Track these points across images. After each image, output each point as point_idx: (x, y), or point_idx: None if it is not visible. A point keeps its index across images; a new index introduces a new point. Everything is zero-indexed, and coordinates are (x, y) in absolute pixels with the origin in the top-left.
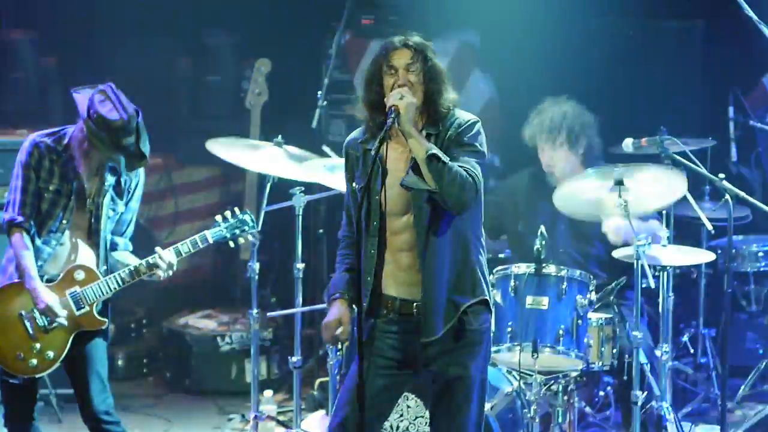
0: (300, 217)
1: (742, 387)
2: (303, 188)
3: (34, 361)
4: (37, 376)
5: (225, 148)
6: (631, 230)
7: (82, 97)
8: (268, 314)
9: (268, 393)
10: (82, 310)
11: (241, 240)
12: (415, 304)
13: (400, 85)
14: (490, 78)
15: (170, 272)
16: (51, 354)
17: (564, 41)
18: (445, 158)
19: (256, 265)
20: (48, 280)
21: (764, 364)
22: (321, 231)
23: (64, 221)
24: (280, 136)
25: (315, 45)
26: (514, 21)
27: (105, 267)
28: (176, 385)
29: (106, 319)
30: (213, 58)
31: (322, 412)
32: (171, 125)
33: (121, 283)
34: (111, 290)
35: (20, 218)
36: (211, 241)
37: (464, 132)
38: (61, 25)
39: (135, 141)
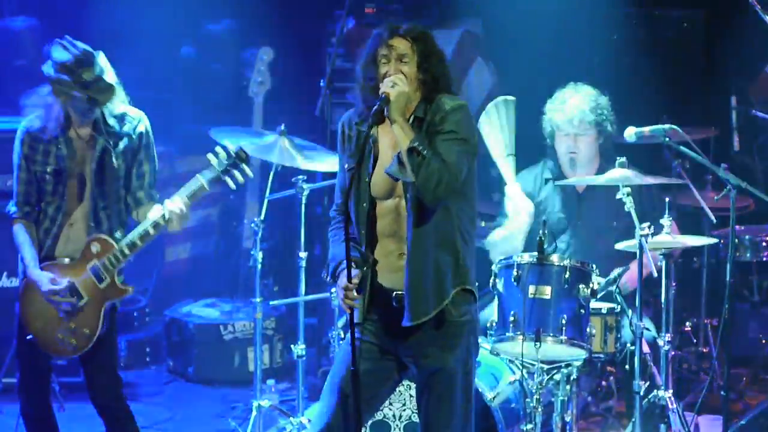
0: (303, 206)
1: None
2: (306, 177)
3: (74, 341)
4: (80, 354)
5: (228, 137)
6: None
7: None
8: (271, 303)
9: (270, 382)
10: (105, 282)
11: (240, 178)
12: (394, 293)
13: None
14: (493, 67)
15: (185, 222)
16: (87, 331)
17: (566, 30)
18: (427, 152)
19: (259, 254)
20: (68, 258)
21: None
22: (324, 219)
23: (68, 197)
24: (283, 125)
25: (318, 33)
26: (517, 10)
27: (120, 232)
28: (179, 373)
29: (130, 287)
30: (215, 46)
31: None
32: (173, 113)
33: (133, 248)
34: (125, 256)
35: (14, 208)
36: (205, 183)
37: (447, 119)
38: (63, 12)
39: (99, 75)
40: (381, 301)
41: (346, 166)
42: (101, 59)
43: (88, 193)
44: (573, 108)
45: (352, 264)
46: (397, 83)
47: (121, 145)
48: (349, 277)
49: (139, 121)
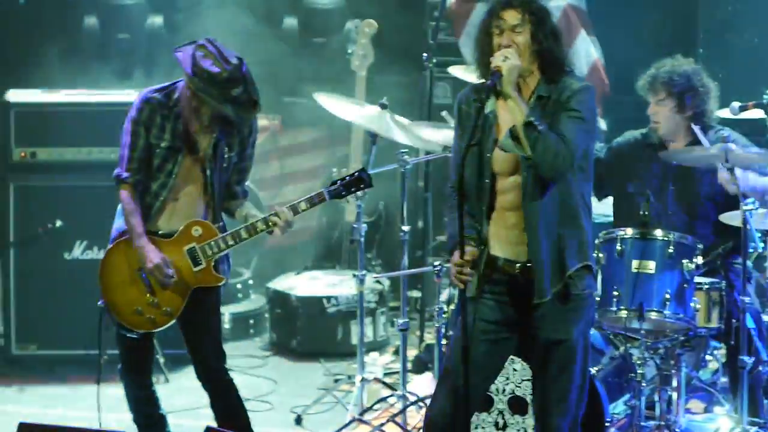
0: (406, 179)
1: None
2: (408, 150)
3: (152, 316)
4: (155, 330)
5: (332, 102)
6: (745, 180)
7: (184, 55)
8: (375, 276)
9: (374, 355)
10: (200, 267)
11: (359, 195)
12: (517, 265)
13: (504, 46)
14: (597, 40)
15: (288, 229)
16: (169, 309)
17: (672, 3)
18: (542, 126)
19: (363, 227)
20: (164, 235)
21: None
22: (427, 193)
23: (177, 177)
24: (385, 98)
25: (420, 6)
26: None
27: (222, 222)
28: (282, 346)
29: (223, 276)
30: (319, 20)
31: (428, 374)
32: (276, 87)
33: (238, 239)
34: (228, 246)
35: (126, 174)
36: (327, 199)
37: (573, 98)
38: None
39: (244, 90)
40: (502, 274)
41: (464, 143)
42: (245, 69)
43: (203, 175)
44: (649, 73)
45: (469, 241)
46: (509, 57)
47: (236, 136)
48: (462, 254)
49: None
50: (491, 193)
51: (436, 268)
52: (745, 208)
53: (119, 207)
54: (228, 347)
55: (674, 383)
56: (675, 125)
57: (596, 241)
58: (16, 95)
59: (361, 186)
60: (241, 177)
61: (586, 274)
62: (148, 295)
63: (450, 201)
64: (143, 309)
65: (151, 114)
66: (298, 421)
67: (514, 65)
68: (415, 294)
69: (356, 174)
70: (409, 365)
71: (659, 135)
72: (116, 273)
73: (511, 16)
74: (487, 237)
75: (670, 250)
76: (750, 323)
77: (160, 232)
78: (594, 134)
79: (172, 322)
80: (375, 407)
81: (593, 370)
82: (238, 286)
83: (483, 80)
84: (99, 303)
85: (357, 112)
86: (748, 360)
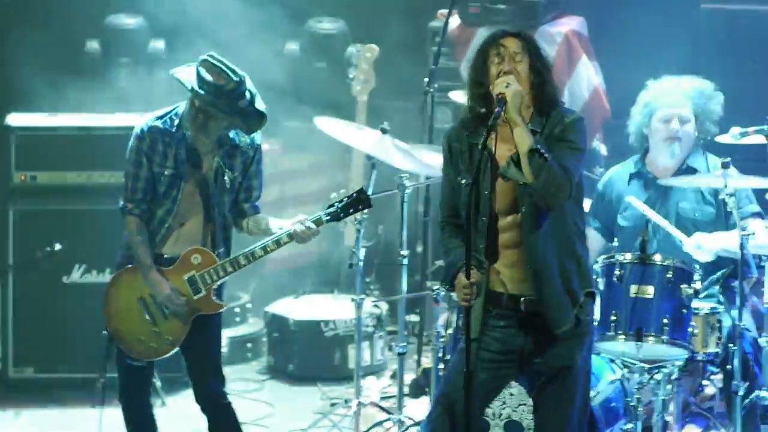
0: (405, 204)
1: None
2: (408, 175)
3: (154, 345)
4: (158, 359)
5: (332, 126)
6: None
7: (185, 74)
8: (373, 300)
9: (371, 379)
10: (200, 295)
11: (358, 216)
12: (522, 299)
13: (505, 72)
14: (598, 66)
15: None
16: (170, 338)
17: (672, 28)
18: (547, 154)
19: (361, 252)
20: (168, 260)
21: None
22: (426, 218)
23: (180, 203)
24: (385, 123)
25: (421, 32)
26: (621, 7)
27: (222, 248)
28: (279, 370)
29: (223, 303)
30: (320, 45)
31: (425, 398)
32: (276, 111)
33: (236, 266)
34: (227, 273)
35: (130, 205)
36: (324, 222)
37: (567, 129)
38: (169, 8)
39: (250, 102)
40: (508, 308)
41: (462, 181)
42: (249, 83)
43: (206, 199)
44: (672, 85)
45: (472, 267)
46: (511, 83)
47: (238, 157)
48: (468, 275)
49: (255, 136)
50: (492, 232)
51: (434, 293)
52: (742, 233)
53: (125, 235)
54: (225, 371)
55: (671, 408)
56: (691, 144)
57: (595, 266)
58: (17, 119)
59: (360, 207)
60: (248, 195)
61: (589, 301)
62: (149, 324)
63: (445, 233)
64: (146, 338)
65: (153, 143)
66: None
67: (517, 90)
68: (413, 318)
69: (354, 195)
70: (406, 389)
71: (675, 152)
72: (120, 302)
73: (513, 44)
74: (488, 273)
75: (669, 275)
76: (747, 348)
77: (165, 256)
78: (584, 164)
79: (175, 350)
80: (371, 431)
81: (591, 395)
82: (237, 309)
83: (475, 110)
84: (104, 332)
85: (357, 137)
86: (742, 385)
